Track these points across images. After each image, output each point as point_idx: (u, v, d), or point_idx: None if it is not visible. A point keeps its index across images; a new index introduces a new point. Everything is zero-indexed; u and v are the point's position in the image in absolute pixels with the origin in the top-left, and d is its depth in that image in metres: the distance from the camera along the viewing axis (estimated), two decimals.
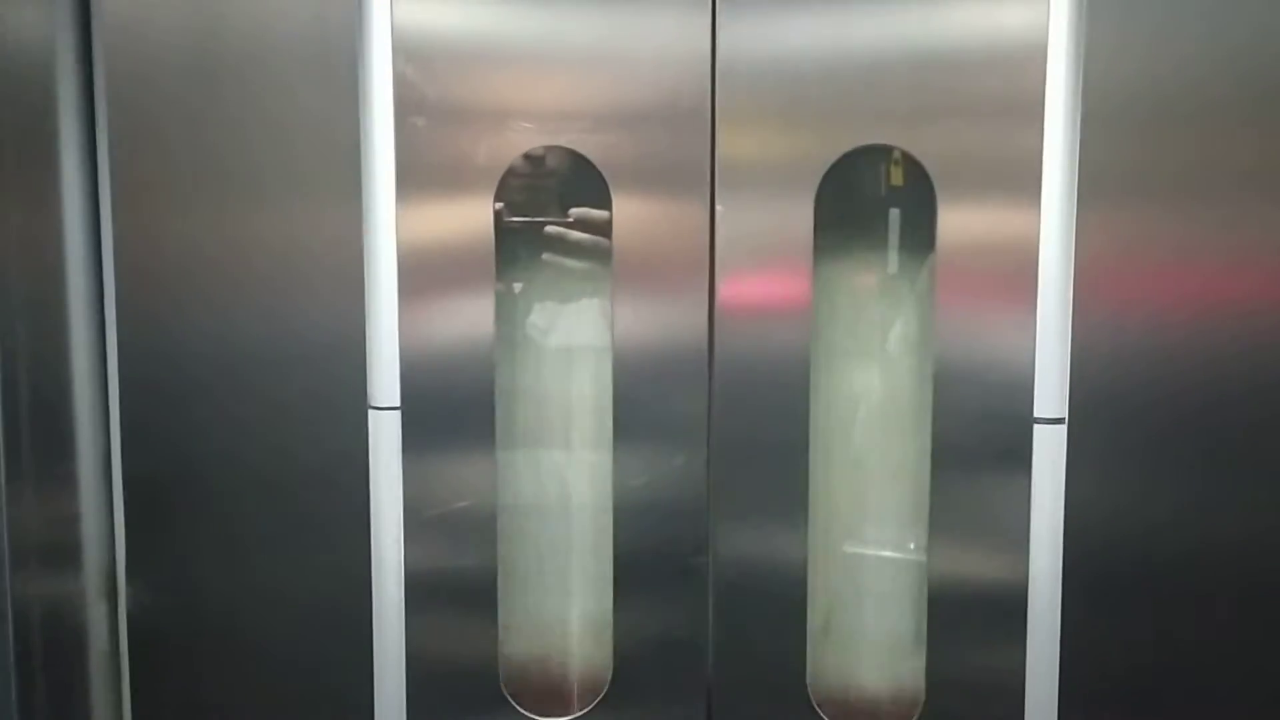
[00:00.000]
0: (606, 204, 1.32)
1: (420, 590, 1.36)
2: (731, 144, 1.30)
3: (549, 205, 1.39)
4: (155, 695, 1.40)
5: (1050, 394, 1.28)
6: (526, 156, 1.34)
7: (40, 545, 1.32)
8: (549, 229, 1.40)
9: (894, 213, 1.40)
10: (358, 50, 1.29)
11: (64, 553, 1.37)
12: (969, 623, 1.34)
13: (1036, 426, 1.29)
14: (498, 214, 1.33)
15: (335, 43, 1.30)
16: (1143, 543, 1.30)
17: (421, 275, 1.32)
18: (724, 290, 1.32)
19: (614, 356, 1.34)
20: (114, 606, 1.41)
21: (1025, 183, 1.26)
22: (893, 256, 1.43)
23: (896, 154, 1.32)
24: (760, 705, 1.39)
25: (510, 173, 1.32)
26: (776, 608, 1.37)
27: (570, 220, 1.38)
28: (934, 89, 1.27)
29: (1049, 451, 1.29)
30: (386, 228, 1.31)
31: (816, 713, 1.38)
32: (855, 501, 1.46)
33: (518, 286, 1.44)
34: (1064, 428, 1.29)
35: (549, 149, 1.34)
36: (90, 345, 1.38)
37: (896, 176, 1.36)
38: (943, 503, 1.33)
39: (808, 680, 1.37)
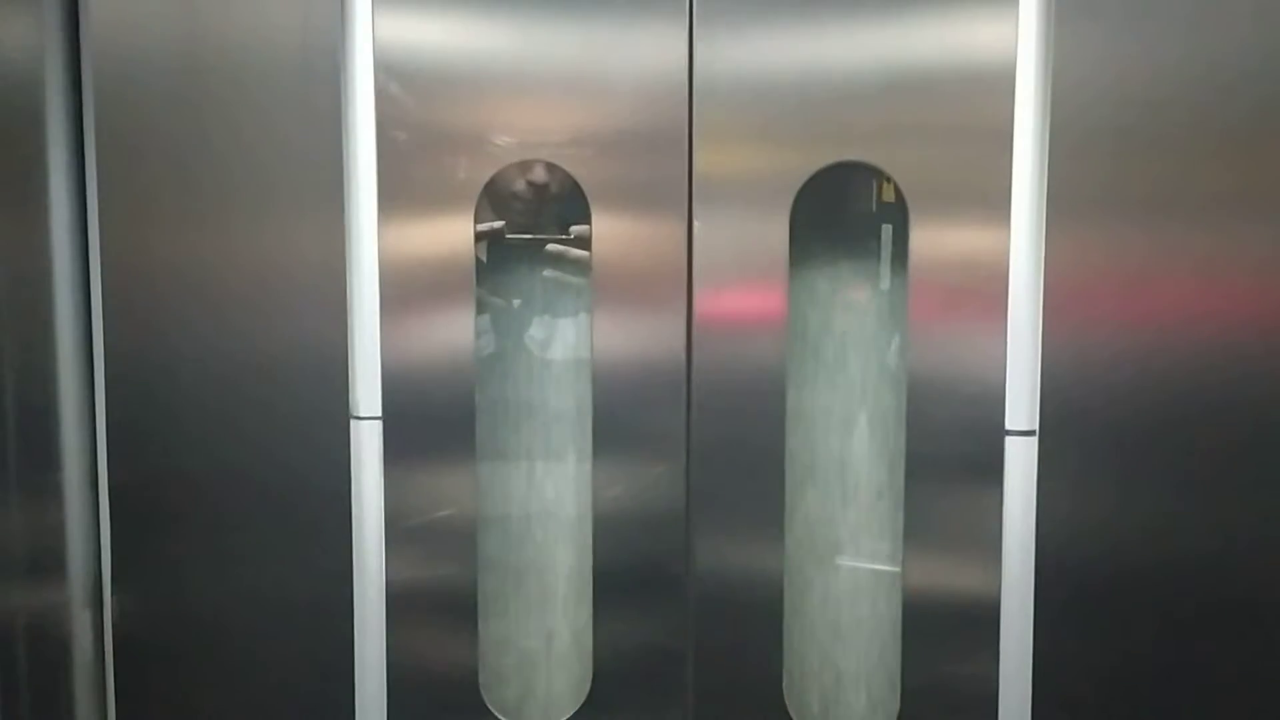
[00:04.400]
0: (586, 221, 1.34)
1: (401, 598, 1.37)
2: (708, 162, 1.32)
3: (528, 221, 1.41)
4: (139, 703, 1.41)
5: (1021, 407, 1.30)
6: (507, 173, 1.36)
7: (25, 553, 1.33)
8: (529, 244, 1.42)
9: (868, 229, 1.42)
10: (340, 67, 1.31)
11: (49, 561, 1.38)
12: (943, 632, 1.36)
13: (1008, 439, 1.31)
14: (477, 229, 1.34)
15: (318, 59, 1.31)
16: (1113, 552, 1.32)
17: (403, 288, 1.34)
18: (701, 305, 1.34)
19: (593, 369, 1.36)
20: (99, 615, 1.42)
21: (995, 200, 1.28)
22: (867, 272, 1.45)
23: (871, 173, 1.34)
24: (737, 714, 1.40)
25: (490, 189, 1.34)
26: (754, 617, 1.38)
27: (562, 236, 1.40)
28: (906, 109, 1.29)
29: (1020, 463, 1.31)
30: (369, 240, 1.33)
31: None
32: (831, 513, 1.48)
33: (498, 300, 1.46)
34: (1035, 440, 1.30)
35: (528, 165, 1.36)
36: (77, 354, 1.39)
37: (871, 194, 1.38)
38: (917, 514, 1.35)
39: (784, 689, 1.39)
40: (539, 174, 1.37)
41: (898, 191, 1.30)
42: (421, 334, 1.36)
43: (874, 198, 1.38)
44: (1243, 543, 1.31)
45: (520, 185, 1.37)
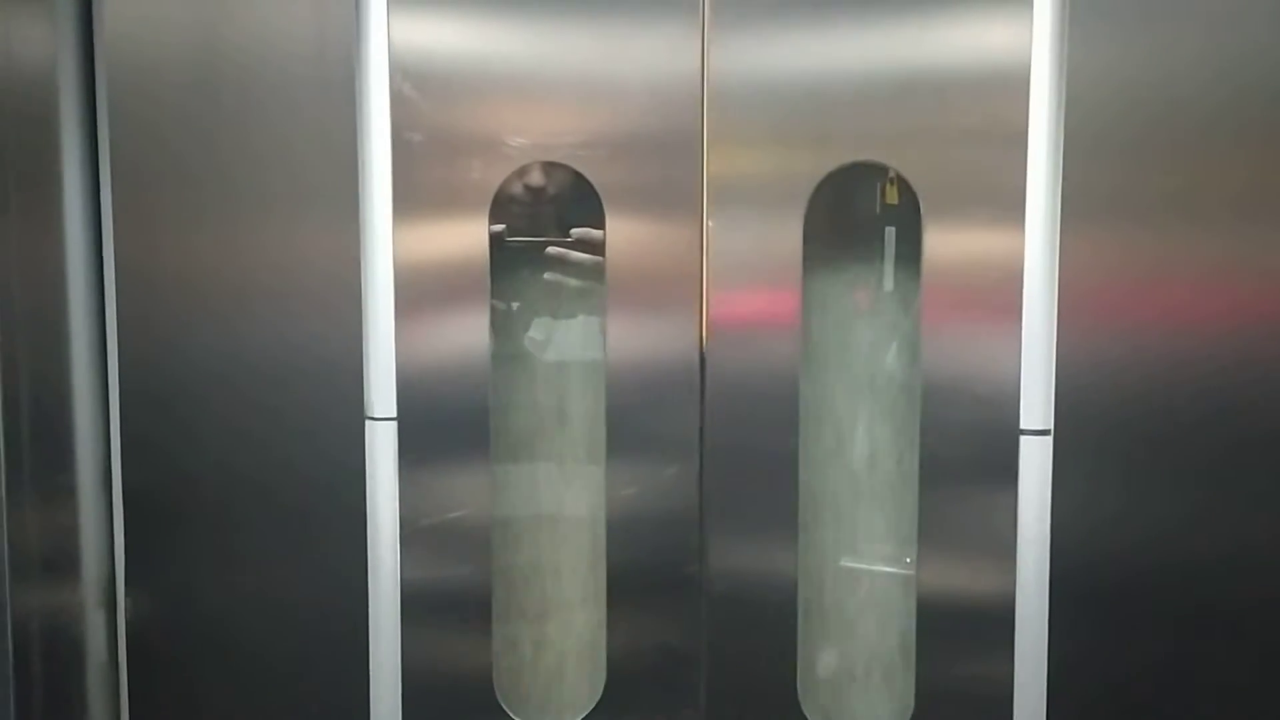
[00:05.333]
0: (600, 223, 1.34)
1: (416, 599, 1.37)
2: (722, 164, 1.33)
3: (543, 223, 1.41)
4: (153, 705, 1.41)
5: (1036, 406, 1.30)
6: (520, 175, 1.36)
7: (40, 555, 1.33)
8: (535, 248, 1.42)
9: (881, 231, 1.42)
10: (355, 70, 1.32)
11: (63, 563, 1.38)
12: (957, 633, 1.36)
13: (1023, 438, 1.31)
14: (503, 233, 1.35)
15: (333, 62, 1.32)
16: (1128, 551, 1.32)
17: (418, 289, 1.34)
18: (715, 307, 1.34)
19: (607, 371, 1.36)
20: (113, 616, 1.42)
21: (1010, 201, 1.29)
22: (880, 273, 1.45)
23: (891, 173, 1.34)
24: (751, 715, 1.39)
25: (504, 191, 1.34)
26: (767, 619, 1.38)
27: (565, 239, 1.41)
28: (920, 111, 1.30)
29: (1035, 462, 1.31)
30: (383, 242, 1.33)
31: None
32: (845, 513, 1.48)
33: (512, 302, 1.46)
34: (1049, 439, 1.30)
35: (543, 168, 1.37)
36: (91, 357, 1.39)
37: (884, 196, 1.38)
38: (931, 514, 1.35)
39: (798, 691, 1.39)
40: (535, 177, 1.38)
41: (912, 193, 1.30)
42: (436, 335, 1.36)
43: (887, 200, 1.39)
44: (1259, 542, 1.31)
45: (517, 188, 1.37)
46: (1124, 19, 1.26)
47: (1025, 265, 1.29)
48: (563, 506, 1.49)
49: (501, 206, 1.36)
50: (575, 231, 1.40)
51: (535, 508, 1.49)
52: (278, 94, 1.32)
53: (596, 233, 1.36)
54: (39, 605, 1.32)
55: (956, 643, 1.36)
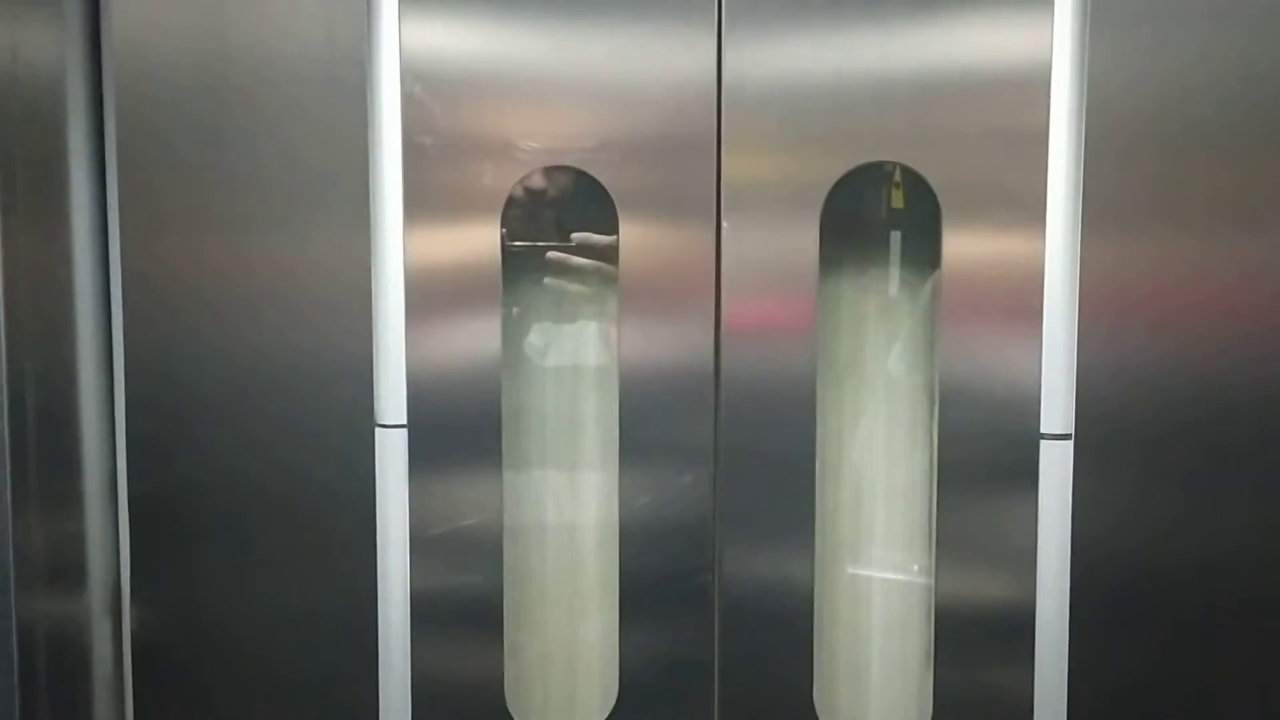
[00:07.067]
0: (613, 227, 1.33)
1: (426, 608, 1.36)
2: (737, 167, 1.31)
3: (555, 228, 1.40)
4: (159, 714, 1.39)
5: (1056, 410, 1.29)
6: (532, 180, 1.35)
7: (45, 563, 1.31)
8: (555, 252, 1.41)
9: (897, 234, 1.42)
10: (366, 72, 1.31)
11: (69, 570, 1.36)
12: (976, 640, 1.34)
13: (1043, 442, 1.30)
14: (504, 236, 1.34)
15: (344, 64, 1.31)
16: (1150, 557, 1.30)
17: (429, 294, 1.33)
18: (730, 311, 1.33)
19: (620, 377, 1.35)
20: (118, 624, 1.41)
21: (1030, 203, 1.28)
22: (897, 277, 1.44)
23: (899, 177, 1.34)
24: None
25: (516, 196, 1.33)
26: (783, 627, 1.37)
27: (575, 244, 1.40)
28: (939, 113, 1.29)
29: (1056, 466, 1.30)
30: (394, 247, 1.32)
31: None
32: (862, 520, 1.46)
33: (514, 308, 1.45)
34: (1070, 443, 1.29)
35: (556, 172, 1.35)
36: (97, 363, 1.38)
37: (900, 199, 1.38)
38: (950, 519, 1.33)
39: (814, 700, 1.37)
40: (536, 180, 1.36)
41: (930, 195, 1.29)
42: (447, 341, 1.35)
43: (904, 202, 1.38)
44: None
45: (521, 192, 1.36)
46: (1145, 21, 1.25)
47: (1046, 267, 1.28)
48: (575, 514, 1.48)
49: (507, 211, 1.35)
50: (576, 236, 1.39)
51: (547, 515, 1.47)
52: (287, 96, 1.31)
53: (598, 237, 1.35)
54: (45, 613, 1.31)
55: (975, 650, 1.34)
